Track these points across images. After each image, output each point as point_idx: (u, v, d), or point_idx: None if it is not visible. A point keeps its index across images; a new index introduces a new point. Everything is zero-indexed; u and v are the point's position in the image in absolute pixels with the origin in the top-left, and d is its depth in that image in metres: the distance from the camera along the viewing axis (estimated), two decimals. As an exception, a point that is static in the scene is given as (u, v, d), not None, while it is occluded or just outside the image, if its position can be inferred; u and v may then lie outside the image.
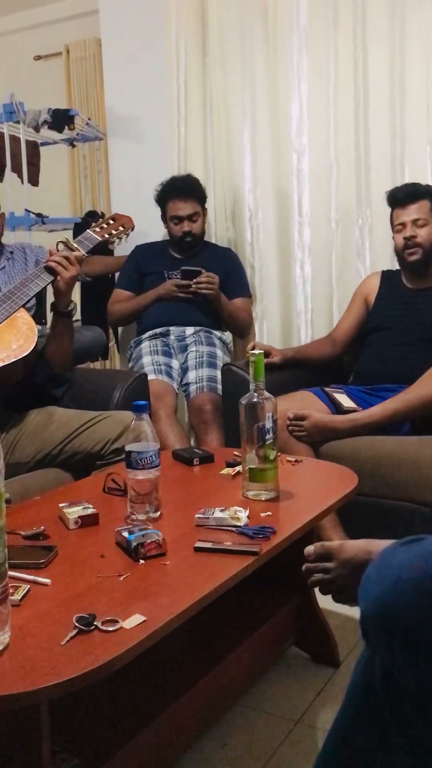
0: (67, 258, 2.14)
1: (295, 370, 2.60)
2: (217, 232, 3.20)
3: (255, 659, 1.66)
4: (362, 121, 2.82)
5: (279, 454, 1.64)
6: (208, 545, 1.32)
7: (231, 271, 3.02)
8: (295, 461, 1.88)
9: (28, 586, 1.18)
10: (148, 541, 1.30)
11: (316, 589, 1.12)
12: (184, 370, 2.86)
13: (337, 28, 2.83)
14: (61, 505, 1.52)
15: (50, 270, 2.14)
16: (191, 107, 3.16)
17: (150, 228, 3.08)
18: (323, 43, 2.86)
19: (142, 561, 1.28)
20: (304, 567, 1.09)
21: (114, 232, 2.36)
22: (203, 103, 3.16)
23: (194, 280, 2.83)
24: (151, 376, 2.66)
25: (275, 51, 2.96)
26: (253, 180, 3.08)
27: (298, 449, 2.17)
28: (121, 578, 1.22)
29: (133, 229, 2.43)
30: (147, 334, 2.94)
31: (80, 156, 4.41)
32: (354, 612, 0.94)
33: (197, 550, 1.32)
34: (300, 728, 1.54)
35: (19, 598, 1.13)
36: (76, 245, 2.21)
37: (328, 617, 1.81)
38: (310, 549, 1.08)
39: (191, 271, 2.84)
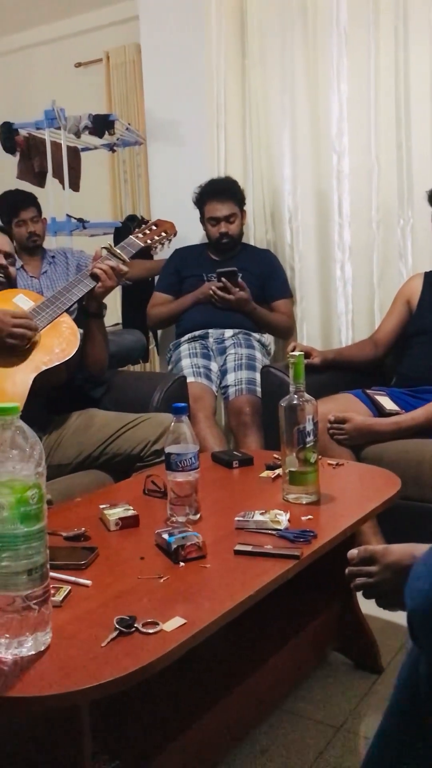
0: (113, 269, 2.16)
1: (336, 372, 2.57)
2: (256, 234, 3.20)
3: (296, 664, 1.64)
4: (404, 121, 2.79)
5: (320, 456, 1.62)
6: (249, 548, 1.31)
7: (271, 273, 3.01)
8: (336, 464, 1.86)
9: (70, 587, 1.19)
10: (188, 544, 1.29)
11: (359, 594, 1.11)
12: (223, 373, 2.86)
13: (378, 27, 2.80)
14: (101, 506, 1.53)
15: (94, 276, 2.16)
16: (230, 110, 3.16)
17: (189, 231, 3.09)
18: (363, 42, 2.83)
19: (182, 563, 1.28)
20: (347, 570, 1.07)
21: (156, 237, 2.37)
22: (242, 105, 3.16)
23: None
24: (190, 379, 2.67)
25: (315, 51, 2.94)
26: (293, 181, 3.07)
27: (339, 452, 2.15)
28: (161, 580, 1.22)
29: (175, 235, 2.44)
30: (186, 337, 2.95)
31: (120, 161, 4.44)
32: (396, 617, 0.92)
33: (237, 553, 1.31)
34: (342, 735, 1.52)
35: (61, 599, 1.14)
36: (119, 251, 2.23)
37: (371, 622, 1.79)
38: (353, 552, 1.07)
39: (227, 272, 2.84)
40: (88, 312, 2.22)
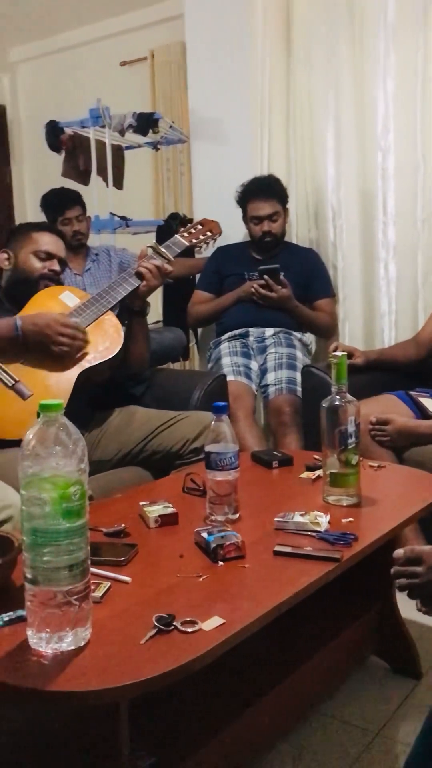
0: (158, 268, 2.17)
1: (379, 373, 2.53)
2: (298, 233, 3.17)
3: (334, 667, 1.63)
4: (451, 118, 2.74)
5: (361, 458, 1.61)
6: (288, 549, 1.31)
7: (313, 272, 2.98)
8: (378, 467, 1.83)
9: (110, 583, 1.19)
10: (228, 543, 1.29)
11: (399, 598, 1.09)
12: (263, 372, 2.85)
13: (427, 24, 2.75)
14: (141, 503, 1.54)
15: (139, 275, 2.17)
16: (275, 108, 3.14)
17: (231, 230, 3.08)
18: (411, 38, 2.78)
19: (221, 562, 1.27)
20: (392, 570, 1.06)
21: (201, 237, 2.37)
22: (287, 103, 3.14)
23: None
24: (229, 377, 2.66)
25: (361, 48, 2.91)
26: (337, 180, 3.03)
27: (380, 454, 2.12)
28: (200, 579, 1.22)
29: (220, 234, 2.44)
30: (226, 336, 2.95)
31: (163, 159, 4.46)
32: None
33: (276, 554, 1.30)
34: (380, 741, 1.50)
35: (101, 595, 1.15)
36: (164, 250, 2.23)
37: (410, 627, 1.76)
38: (399, 552, 1.05)
39: (269, 270, 2.83)
40: (132, 310, 2.23)
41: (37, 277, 2.13)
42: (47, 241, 2.16)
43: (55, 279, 2.16)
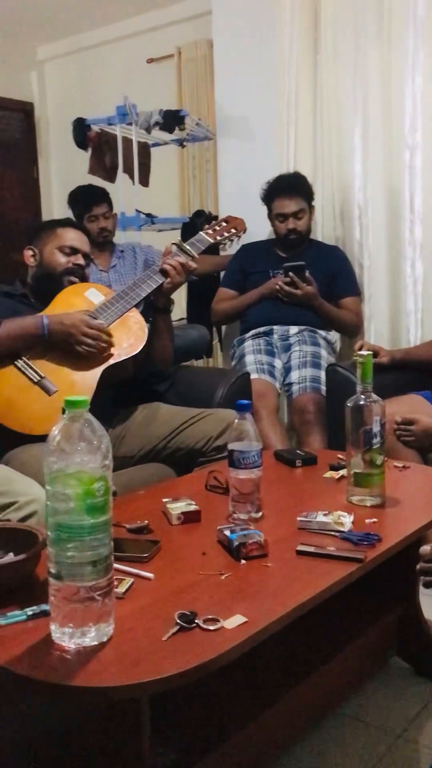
0: (182, 265, 2.17)
1: (404, 372, 2.51)
2: (324, 231, 3.15)
3: (355, 667, 1.62)
4: None
5: (386, 459, 1.59)
6: (311, 549, 1.30)
7: (338, 270, 2.96)
8: (403, 467, 1.82)
9: (132, 580, 1.20)
10: (250, 542, 1.29)
11: (423, 599, 1.08)
12: (287, 370, 2.84)
13: (457, 18, 2.72)
14: (164, 500, 1.54)
15: (163, 272, 2.17)
16: (301, 105, 3.13)
17: (256, 227, 3.07)
18: (441, 34, 2.75)
19: (243, 561, 1.27)
20: (418, 566, 1.05)
21: (226, 234, 2.37)
22: (314, 100, 3.13)
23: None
24: (253, 375, 2.66)
25: (389, 45, 2.88)
26: (363, 177, 3.01)
27: (405, 455, 2.10)
28: (223, 577, 1.22)
29: (244, 232, 2.43)
30: (250, 333, 2.94)
31: (189, 156, 4.46)
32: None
33: (299, 553, 1.30)
34: (402, 744, 1.49)
35: (123, 590, 1.15)
36: (189, 247, 2.23)
37: (433, 630, 1.75)
38: (426, 549, 1.05)
39: (294, 266, 2.81)
40: (156, 307, 2.24)
41: (61, 272, 2.14)
42: (71, 237, 2.18)
43: (79, 273, 2.17)
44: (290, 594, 1.16)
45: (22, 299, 2.14)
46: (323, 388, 2.66)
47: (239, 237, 2.43)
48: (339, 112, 3.04)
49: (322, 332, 2.91)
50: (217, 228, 2.38)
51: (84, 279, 2.19)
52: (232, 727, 1.28)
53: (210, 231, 2.36)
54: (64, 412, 1.01)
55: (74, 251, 2.16)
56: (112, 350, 2.07)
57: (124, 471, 2.04)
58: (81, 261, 2.17)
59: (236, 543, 1.28)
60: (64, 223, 2.25)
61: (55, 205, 5.37)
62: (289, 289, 2.81)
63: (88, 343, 2.00)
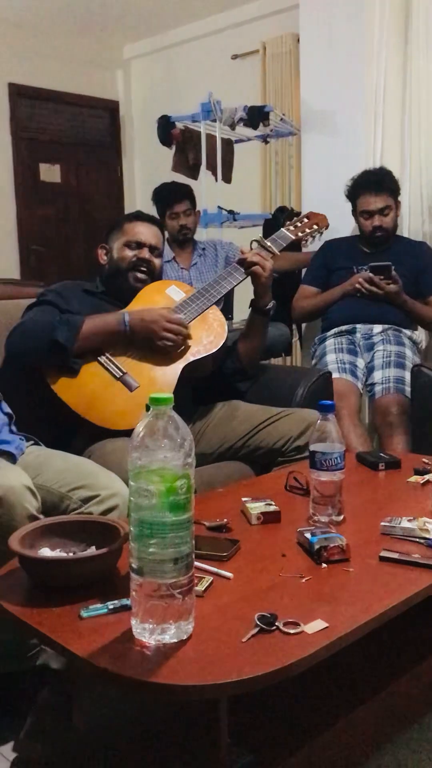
0: (260, 255, 2.15)
1: None
2: (410, 226, 3.07)
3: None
4: None
5: (474, 464, 1.53)
6: (395, 555, 1.26)
7: (425, 267, 2.87)
8: None
9: (212, 578, 1.19)
10: (332, 545, 1.26)
11: None
12: (370, 370, 2.77)
13: None
14: (243, 499, 1.53)
15: (245, 267, 2.15)
16: (389, 98, 3.06)
17: (340, 223, 3.02)
18: None
19: (324, 564, 1.25)
20: None
21: (308, 230, 2.34)
22: (402, 93, 3.05)
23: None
24: (334, 375, 2.60)
25: None
26: (453, 171, 2.92)
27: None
28: (303, 580, 1.20)
29: (327, 228, 2.39)
30: (332, 331, 2.89)
31: (272, 151, 4.43)
32: None
33: (382, 559, 1.26)
34: None
35: (203, 589, 1.15)
36: (269, 244, 2.21)
37: None
38: None
39: (381, 267, 2.74)
40: (255, 307, 2.22)
41: (126, 267, 2.13)
42: (138, 231, 2.16)
43: (143, 267, 2.13)
44: (373, 600, 1.13)
45: (103, 297, 2.17)
46: (407, 389, 2.59)
47: (321, 233, 2.39)
48: (429, 105, 2.95)
49: (407, 331, 2.83)
50: (299, 224, 2.35)
51: (152, 273, 2.17)
52: (311, 732, 1.26)
53: (292, 227, 2.32)
54: (148, 408, 1.01)
55: (140, 245, 2.15)
56: (192, 347, 2.07)
57: (204, 468, 2.04)
58: (145, 254, 2.14)
59: (317, 546, 1.26)
60: (131, 217, 2.23)
61: (138, 202, 5.45)
62: (371, 287, 2.74)
63: (168, 338, 2.01)
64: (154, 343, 2.01)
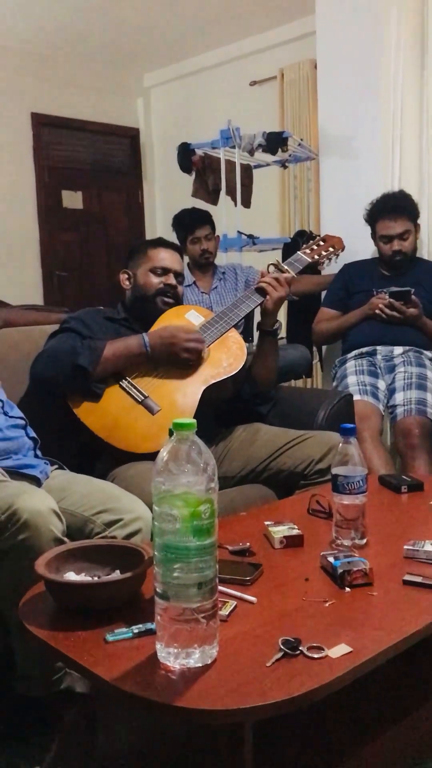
0: (277, 279, 2.18)
1: None
2: (430, 248, 3.08)
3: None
4: None
5: None
6: (418, 579, 1.26)
7: (445, 289, 2.88)
8: None
9: (235, 603, 1.20)
10: (355, 569, 1.26)
11: None
12: (391, 392, 2.77)
13: None
14: (266, 522, 1.53)
15: (261, 291, 2.19)
16: (407, 121, 3.08)
17: (360, 246, 3.04)
18: None
19: (347, 588, 1.25)
20: None
21: (324, 253, 2.36)
22: (419, 117, 3.07)
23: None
24: (356, 397, 2.61)
25: None
26: (472, 193, 2.93)
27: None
28: (327, 604, 1.20)
29: (343, 250, 2.41)
30: (353, 353, 2.90)
31: (291, 176, 4.48)
32: None
33: (406, 583, 1.26)
34: None
35: (227, 613, 1.15)
36: (286, 267, 2.24)
37: None
38: None
39: (401, 292, 2.75)
40: (262, 329, 2.25)
41: (154, 293, 2.17)
42: (162, 257, 2.21)
43: (171, 294, 2.18)
44: (397, 625, 1.12)
45: (123, 323, 2.20)
46: (429, 410, 2.58)
47: (338, 255, 2.41)
48: (446, 128, 2.97)
49: (428, 353, 2.83)
50: (315, 247, 2.37)
51: (177, 298, 2.21)
52: (336, 756, 1.25)
53: (308, 250, 2.35)
54: (171, 434, 1.03)
55: (165, 271, 2.19)
56: (212, 369, 2.09)
57: (226, 491, 2.05)
58: (172, 281, 2.19)
59: (341, 570, 1.26)
60: (156, 243, 2.28)
61: (158, 228, 5.52)
62: (391, 312, 2.76)
63: (189, 348, 2.02)
64: (175, 359, 2.03)
